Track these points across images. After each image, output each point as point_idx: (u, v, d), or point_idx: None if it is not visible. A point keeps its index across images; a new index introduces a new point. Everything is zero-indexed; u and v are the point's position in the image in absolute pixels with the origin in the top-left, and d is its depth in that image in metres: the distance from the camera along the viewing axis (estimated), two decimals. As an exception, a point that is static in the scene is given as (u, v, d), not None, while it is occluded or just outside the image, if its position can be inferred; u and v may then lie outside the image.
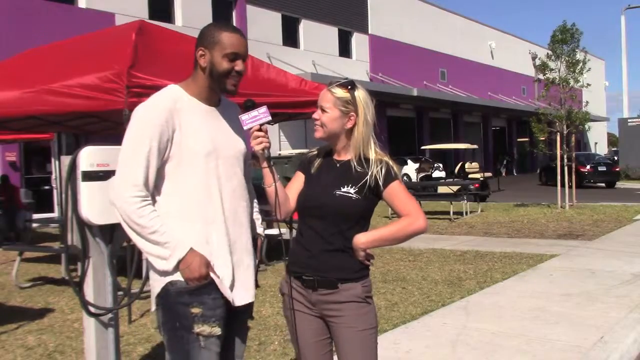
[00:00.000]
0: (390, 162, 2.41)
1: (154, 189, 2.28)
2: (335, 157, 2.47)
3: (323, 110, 2.39)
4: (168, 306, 2.28)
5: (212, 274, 2.28)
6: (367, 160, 2.39)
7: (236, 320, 2.43)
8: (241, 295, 2.38)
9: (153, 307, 2.35)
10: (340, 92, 2.38)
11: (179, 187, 2.29)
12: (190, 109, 2.32)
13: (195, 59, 2.34)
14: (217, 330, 2.27)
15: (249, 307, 2.47)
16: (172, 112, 2.27)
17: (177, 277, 2.25)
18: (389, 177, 2.38)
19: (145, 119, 2.26)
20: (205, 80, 2.33)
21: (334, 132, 2.40)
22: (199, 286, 2.24)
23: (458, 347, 4.53)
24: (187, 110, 2.31)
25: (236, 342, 2.47)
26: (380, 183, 2.36)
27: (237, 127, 2.42)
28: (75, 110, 6.17)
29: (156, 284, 2.30)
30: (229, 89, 2.34)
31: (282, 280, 2.53)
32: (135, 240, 2.25)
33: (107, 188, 2.34)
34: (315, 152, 2.55)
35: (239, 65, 2.31)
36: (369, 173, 2.36)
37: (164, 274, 2.26)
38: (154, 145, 2.23)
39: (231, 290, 2.33)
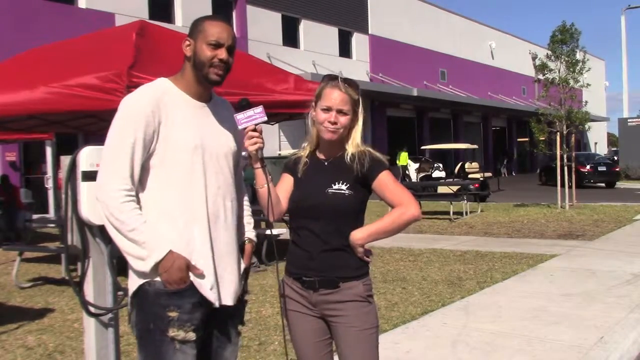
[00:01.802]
0: (376, 154, 2.41)
1: (138, 183, 2.22)
2: (321, 156, 2.47)
3: (343, 114, 2.37)
4: (144, 306, 2.21)
5: (192, 276, 2.21)
6: (353, 155, 2.39)
7: (226, 325, 2.37)
8: (224, 296, 2.30)
9: (129, 307, 2.28)
10: (354, 94, 2.39)
11: (162, 182, 2.23)
12: (178, 102, 2.27)
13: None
14: (192, 336, 2.20)
15: (238, 311, 2.41)
16: (158, 103, 2.21)
17: (156, 276, 2.18)
18: (377, 169, 2.38)
19: (131, 110, 2.20)
20: (191, 72, 2.29)
21: (345, 132, 2.41)
22: (178, 289, 2.17)
23: (458, 347, 4.52)
24: (175, 103, 2.26)
25: (228, 348, 2.41)
26: (369, 175, 2.36)
27: (227, 125, 2.37)
28: (75, 110, 6.18)
29: (133, 282, 2.22)
30: (212, 78, 2.27)
31: (280, 282, 2.52)
32: (114, 237, 2.17)
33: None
34: (300, 154, 2.53)
35: (221, 54, 2.26)
36: (357, 166, 2.36)
37: (142, 273, 2.19)
38: (139, 136, 2.17)
39: (212, 290, 2.25)
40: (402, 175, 23.60)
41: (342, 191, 2.35)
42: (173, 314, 2.17)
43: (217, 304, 2.27)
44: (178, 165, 2.23)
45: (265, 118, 2.29)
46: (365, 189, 2.40)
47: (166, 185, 2.23)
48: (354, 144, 2.41)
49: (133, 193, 2.18)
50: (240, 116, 2.28)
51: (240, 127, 2.30)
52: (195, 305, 2.20)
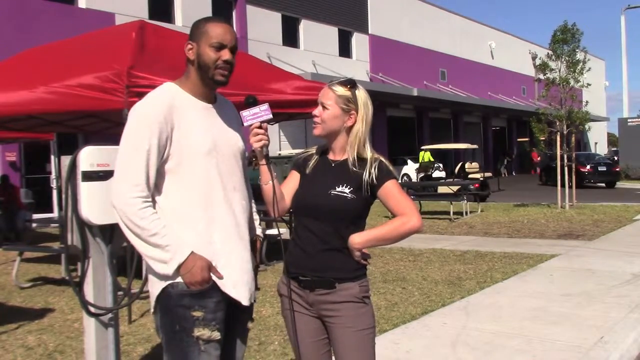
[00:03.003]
0: (386, 162, 2.41)
1: (154, 189, 2.24)
2: (331, 156, 2.47)
3: (324, 107, 2.39)
4: (168, 308, 2.24)
5: (214, 276, 2.24)
6: (363, 159, 2.40)
7: (236, 321, 2.40)
8: (244, 295, 2.33)
9: (152, 310, 2.31)
10: (342, 90, 2.39)
11: (179, 186, 2.25)
12: (188, 106, 2.29)
13: (186, 55, 2.33)
14: (217, 335, 2.24)
15: (249, 308, 2.43)
16: (170, 109, 2.23)
17: (179, 279, 2.21)
18: (384, 176, 2.38)
19: (144, 117, 2.21)
20: (196, 75, 2.31)
21: (334, 129, 2.41)
22: (201, 290, 2.21)
23: (458, 347, 4.52)
24: (185, 107, 2.28)
25: (237, 344, 2.44)
26: (376, 182, 2.37)
27: (234, 125, 2.40)
28: (75, 110, 6.18)
29: (156, 286, 2.25)
30: (217, 79, 2.30)
31: (279, 281, 2.53)
32: (135, 243, 2.20)
33: (108, 188, 2.30)
34: (310, 152, 2.55)
35: (225, 55, 2.28)
36: (365, 172, 2.36)
37: (164, 276, 2.22)
38: (154, 143, 2.18)
39: (236, 289, 2.29)
40: (424, 175, 23.04)
41: (345, 194, 2.35)
42: (198, 314, 2.20)
43: (244, 302, 2.31)
44: (194, 169, 2.25)
45: (271, 116, 2.32)
46: (370, 195, 2.40)
47: (184, 189, 2.25)
48: (362, 146, 2.40)
49: (149, 199, 2.20)
50: (245, 113, 2.30)
51: (245, 124, 2.32)
52: (218, 304, 2.24)
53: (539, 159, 30.61)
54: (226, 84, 2.34)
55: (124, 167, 2.20)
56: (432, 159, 24.06)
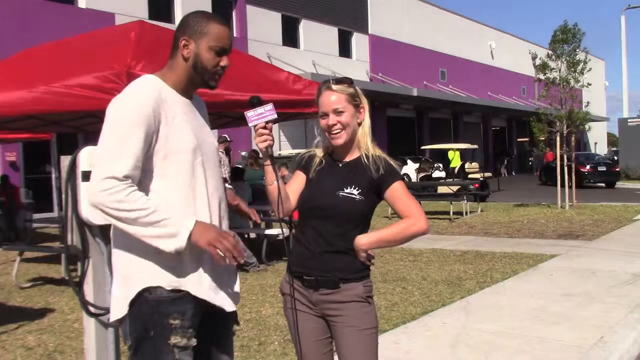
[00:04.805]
0: (392, 162, 2.41)
1: (137, 186, 2.07)
2: (337, 157, 2.47)
3: (338, 113, 2.36)
4: (142, 314, 2.10)
5: (199, 283, 2.12)
6: (370, 157, 2.39)
7: (220, 327, 2.31)
8: (227, 301, 2.23)
9: (118, 315, 2.15)
10: (346, 88, 2.38)
11: (164, 184, 2.12)
12: (173, 101, 2.16)
13: (176, 48, 2.19)
14: (193, 342, 2.13)
15: (233, 313, 2.32)
16: (158, 103, 2.09)
17: (157, 283, 2.08)
18: (391, 178, 2.38)
19: (131, 109, 2.05)
20: (186, 73, 2.19)
21: (354, 129, 2.40)
22: (188, 294, 2.08)
23: (458, 347, 4.52)
24: (170, 101, 2.15)
25: (225, 351, 2.34)
26: (383, 183, 2.36)
27: (208, 124, 2.34)
28: (75, 110, 6.17)
29: (131, 290, 2.11)
30: (212, 85, 2.21)
31: (282, 280, 2.52)
32: (135, 231, 2.00)
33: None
34: (313, 152, 2.53)
35: (224, 61, 2.19)
36: (371, 173, 2.36)
37: (150, 278, 2.08)
38: (141, 137, 2.03)
39: (220, 296, 2.19)
40: (454, 176, 22.52)
41: (353, 196, 2.35)
42: (175, 321, 2.09)
43: (227, 308, 2.22)
44: (180, 166, 2.13)
45: (276, 116, 2.28)
46: (377, 195, 2.39)
47: (168, 187, 2.13)
48: (365, 146, 2.41)
49: (134, 186, 2.04)
50: (250, 114, 2.27)
51: (250, 125, 2.28)
52: (195, 309, 2.14)
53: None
54: (215, 88, 2.26)
55: (108, 160, 2.01)
56: (431, 160, 23.95)
